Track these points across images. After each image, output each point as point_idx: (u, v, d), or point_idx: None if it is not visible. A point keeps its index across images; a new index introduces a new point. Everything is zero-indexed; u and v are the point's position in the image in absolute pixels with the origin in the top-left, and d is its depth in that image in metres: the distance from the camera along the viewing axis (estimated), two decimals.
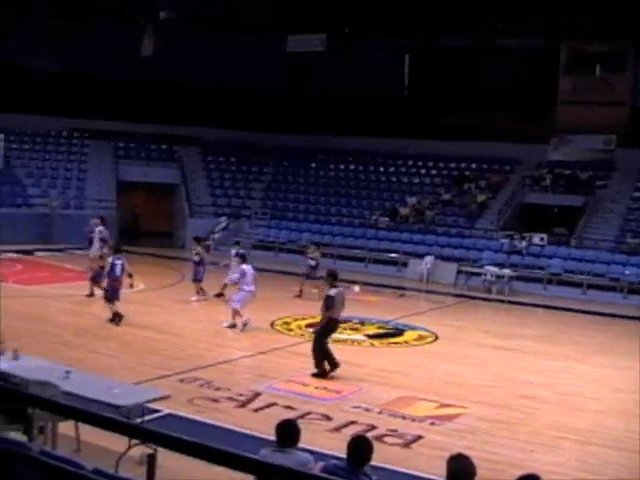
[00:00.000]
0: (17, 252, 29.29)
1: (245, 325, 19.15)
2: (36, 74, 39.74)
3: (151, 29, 38.30)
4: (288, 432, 7.10)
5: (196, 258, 23.49)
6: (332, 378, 14.80)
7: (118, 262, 19.02)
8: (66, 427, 9.32)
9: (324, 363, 15.12)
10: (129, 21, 37.44)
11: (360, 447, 6.70)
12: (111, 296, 18.89)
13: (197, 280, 23.22)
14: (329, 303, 15.30)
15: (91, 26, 38.10)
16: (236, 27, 38.46)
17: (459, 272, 30.92)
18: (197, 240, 24.71)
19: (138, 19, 37.97)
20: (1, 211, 31.11)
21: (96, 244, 22.92)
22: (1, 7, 35.54)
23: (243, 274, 19.50)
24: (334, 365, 15.15)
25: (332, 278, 15.73)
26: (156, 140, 41.79)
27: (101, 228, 23.51)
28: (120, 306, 19.04)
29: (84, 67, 41.82)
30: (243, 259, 20.46)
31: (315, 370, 15.06)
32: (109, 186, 39.16)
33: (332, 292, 15.42)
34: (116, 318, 18.60)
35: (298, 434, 7.12)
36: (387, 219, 35.55)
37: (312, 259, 25.74)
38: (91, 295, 21.47)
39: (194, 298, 23.00)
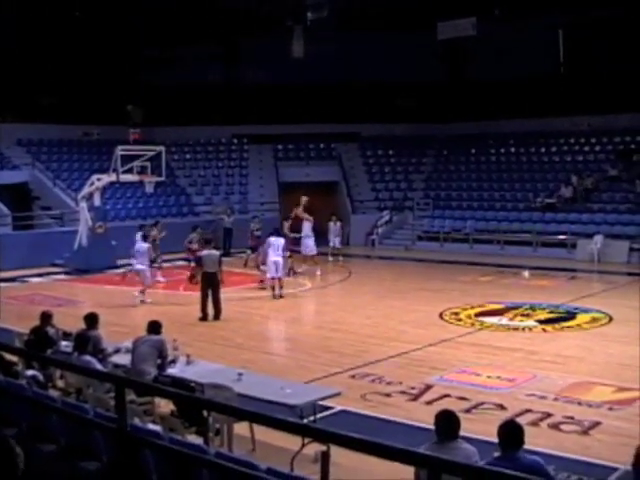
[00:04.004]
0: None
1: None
2: (200, 88, 41.28)
3: (300, 30, 38.76)
4: (450, 423, 7.00)
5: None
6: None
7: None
8: (241, 428, 9.56)
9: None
10: (278, 25, 37.98)
11: (512, 431, 6.61)
12: None
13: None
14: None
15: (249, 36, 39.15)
16: (385, 21, 38.32)
17: (631, 250, 29.78)
18: None
19: (286, 21, 38.48)
20: (168, 221, 31.93)
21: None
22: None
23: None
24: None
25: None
26: (314, 139, 42.24)
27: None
28: (292, 305, 19.82)
29: (241, 76, 43.02)
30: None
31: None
32: (271, 189, 39.94)
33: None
34: None
35: (459, 425, 7.03)
36: (552, 200, 34.62)
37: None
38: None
39: None
